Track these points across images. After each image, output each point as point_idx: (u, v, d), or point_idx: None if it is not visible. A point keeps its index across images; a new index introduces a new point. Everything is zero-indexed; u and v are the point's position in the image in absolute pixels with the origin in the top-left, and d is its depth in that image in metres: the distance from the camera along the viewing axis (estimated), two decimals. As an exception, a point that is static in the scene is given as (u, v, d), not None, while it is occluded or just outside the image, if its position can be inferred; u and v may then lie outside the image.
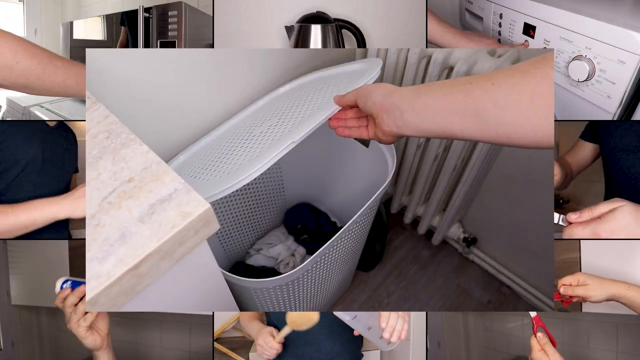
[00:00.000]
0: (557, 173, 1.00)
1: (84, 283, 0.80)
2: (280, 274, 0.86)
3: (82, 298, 0.79)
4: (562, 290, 0.82)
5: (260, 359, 1.40)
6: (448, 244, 1.20)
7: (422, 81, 1.07)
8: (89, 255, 0.50)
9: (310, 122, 0.76)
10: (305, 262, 0.82)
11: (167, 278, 0.56)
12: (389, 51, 1.04)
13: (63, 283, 0.83)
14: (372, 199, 0.88)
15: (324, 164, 1.10)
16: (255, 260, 1.13)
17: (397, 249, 1.20)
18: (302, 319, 0.88)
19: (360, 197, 0.96)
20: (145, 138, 0.66)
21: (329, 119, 0.74)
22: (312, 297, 0.98)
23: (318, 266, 0.87)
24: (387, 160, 0.92)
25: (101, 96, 0.80)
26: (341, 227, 0.87)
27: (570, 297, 0.82)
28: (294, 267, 0.91)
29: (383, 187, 0.90)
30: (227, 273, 0.80)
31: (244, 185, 0.77)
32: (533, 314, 0.80)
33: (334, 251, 0.88)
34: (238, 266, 1.13)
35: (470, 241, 1.14)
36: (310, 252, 1.14)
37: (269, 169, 0.86)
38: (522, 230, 1.08)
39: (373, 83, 0.83)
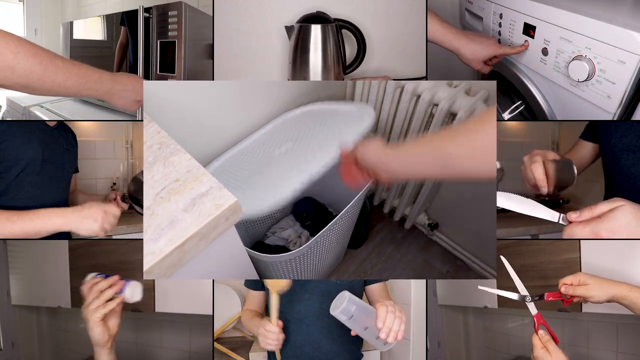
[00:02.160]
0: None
1: (116, 276, 0.83)
2: (290, 251, 1.09)
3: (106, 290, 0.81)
4: (563, 289, 0.80)
5: (259, 359, 1.40)
6: (416, 228, 1.50)
7: (397, 105, 1.30)
8: (145, 237, 0.65)
9: (321, 162, 1.03)
10: (309, 242, 1.06)
11: (205, 254, 0.70)
12: (372, 83, 1.30)
13: (96, 275, 0.85)
14: (359, 194, 1.15)
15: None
16: (271, 240, 1.44)
17: (378, 232, 1.53)
18: (279, 282, 0.88)
19: (350, 193, 1.18)
20: (187, 148, 0.82)
21: (344, 177, 0.92)
22: (314, 268, 1.22)
23: (318, 245, 1.11)
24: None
25: (155, 116, 0.98)
26: (336, 216, 1.11)
27: (571, 296, 0.80)
28: (300, 246, 1.15)
29: (367, 185, 1.14)
30: (250, 250, 1.00)
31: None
32: (534, 311, 0.78)
33: (331, 234, 1.12)
34: (258, 245, 1.43)
35: (433, 226, 1.45)
36: (312, 234, 1.41)
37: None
38: (472, 218, 1.35)
39: (368, 137, 1.03)
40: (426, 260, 1.45)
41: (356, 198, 1.13)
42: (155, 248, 0.63)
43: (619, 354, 1.24)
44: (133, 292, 0.84)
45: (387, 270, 1.42)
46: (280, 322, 0.91)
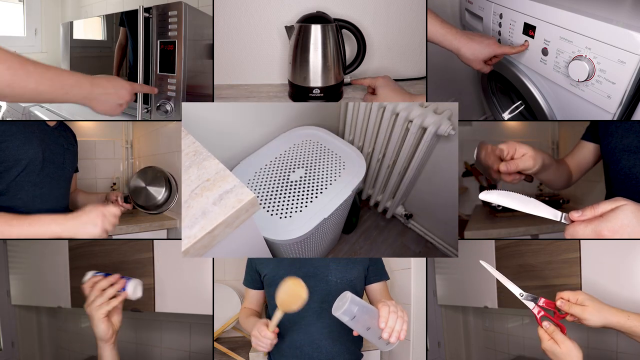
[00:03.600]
0: (529, 163, 0.88)
1: (116, 274, 0.88)
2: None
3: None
4: (558, 303, 0.77)
5: (259, 359, 1.40)
6: (395, 217, 1.86)
7: (380, 121, 1.59)
8: (183, 224, 0.81)
9: (334, 204, 1.34)
10: (311, 228, 1.28)
11: (229, 238, 0.87)
12: (360, 105, 1.61)
13: (95, 273, 0.89)
14: (351, 191, 1.42)
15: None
16: None
17: (365, 220, 1.89)
18: (292, 298, 0.87)
19: (344, 189, 1.47)
20: (215, 154, 1.01)
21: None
22: (315, 248, 1.49)
23: (319, 231, 1.36)
24: (360, 168, 1.47)
25: (190, 130, 1.17)
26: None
27: (566, 313, 0.77)
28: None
29: (357, 184, 1.43)
30: (265, 235, 1.22)
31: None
32: (531, 305, 0.77)
33: (328, 222, 1.38)
34: None
35: (409, 216, 1.81)
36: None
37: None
38: (438, 209, 1.67)
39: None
40: (403, 243, 1.80)
41: (348, 195, 1.40)
42: (191, 233, 0.79)
43: (619, 354, 1.24)
44: (135, 289, 0.89)
45: (372, 250, 1.78)
46: (277, 329, 0.92)
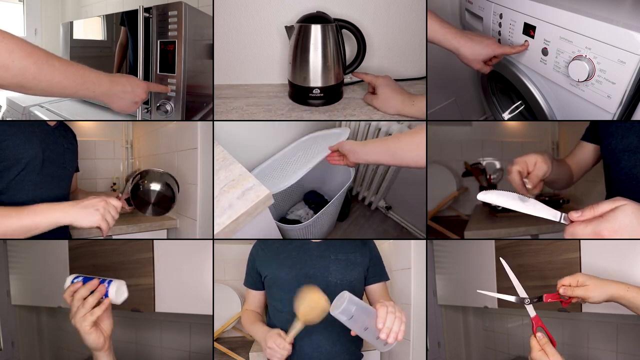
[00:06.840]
0: (545, 168, 0.90)
1: (95, 278, 0.79)
2: (301, 223, 1.67)
3: (91, 293, 0.77)
4: (561, 291, 0.79)
5: (259, 359, 1.40)
6: (378, 209, 2.24)
7: (366, 134, 1.90)
8: (215, 214, 1.02)
9: (318, 158, 1.59)
10: (313, 218, 1.64)
11: (250, 224, 1.07)
12: (350, 122, 1.95)
13: (74, 279, 0.81)
14: (343, 188, 1.76)
15: (323, 173, 2.09)
16: (290, 216, 2.12)
17: (355, 211, 2.28)
18: (314, 309, 0.87)
19: (339, 187, 1.85)
20: (239, 160, 1.23)
21: (329, 159, 1.30)
22: (316, 233, 1.82)
23: (319, 219, 1.70)
24: (351, 171, 1.88)
25: (220, 141, 1.40)
26: (329, 201, 1.72)
27: (570, 297, 0.80)
28: (308, 220, 1.70)
29: (349, 183, 1.79)
30: (277, 222, 1.48)
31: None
32: (532, 313, 0.78)
33: (326, 212, 1.71)
34: (282, 219, 2.09)
35: (388, 207, 2.20)
36: (315, 213, 1.96)
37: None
38: (410, 202, 2.02)
39: (346, 140, 1.40)
40: (384, 228, 2.20)
41: (342, 190, 1.74)
42: (220, 221, 0.99)
43: (619, 354, 1.24)
44: (118, 292, 0.79)
45: (360, 234, 2.19)
46: (293, 340, 0.92)
